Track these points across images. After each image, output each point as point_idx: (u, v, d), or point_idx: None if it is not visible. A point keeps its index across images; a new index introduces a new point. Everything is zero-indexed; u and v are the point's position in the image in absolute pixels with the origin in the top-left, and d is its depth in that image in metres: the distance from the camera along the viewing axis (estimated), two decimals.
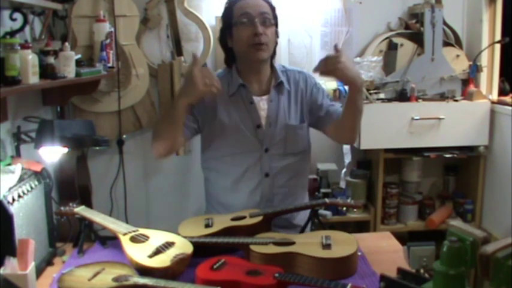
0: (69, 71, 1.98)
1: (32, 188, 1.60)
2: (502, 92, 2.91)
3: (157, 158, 1.92)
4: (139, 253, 1.51)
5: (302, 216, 1.96)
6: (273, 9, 1.88)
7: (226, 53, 1.96)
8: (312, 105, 1.96)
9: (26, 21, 2.05)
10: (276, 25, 1.89)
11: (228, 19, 1.87)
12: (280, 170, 1.91)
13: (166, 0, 2.80)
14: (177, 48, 2.85)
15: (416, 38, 2.88)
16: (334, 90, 2.80)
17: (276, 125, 1.89)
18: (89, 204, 2.28)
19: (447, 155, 2.86)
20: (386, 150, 2.84)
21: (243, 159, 1.90)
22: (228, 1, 1.91)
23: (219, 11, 2.85)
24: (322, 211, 2.78)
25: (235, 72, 1.91)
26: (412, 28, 2.91)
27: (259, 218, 1.73)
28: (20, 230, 1.47)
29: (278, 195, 1.93)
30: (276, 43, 1.92)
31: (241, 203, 1.90)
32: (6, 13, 2.01)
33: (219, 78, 1.87)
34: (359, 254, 1.60)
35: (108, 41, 2.41)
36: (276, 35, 1.90)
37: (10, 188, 1.47)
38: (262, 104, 1.90)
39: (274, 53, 1.94)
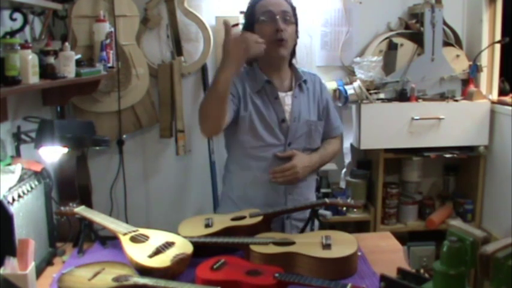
0: (69, 71, 1.98)
1: (32, 188, 1.60)
2: (502, 92, 2.91)
3: (205, 137, 2.03)
4: (139, 253, 1.51)
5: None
6: (293, 8, 1.97)
7: None
8: (323, 109, 2.06)
9: (26, 21, 2.06)
10: (296, 24, 1.97)
11: (251, 17, 1.94)
12: None
13: (166, 0, 2.80)
14: (177, 48, 2.86)
15: (416, 38, 2.88)
16: (334, 90, 2.80)
17: (299, 120, 1.97)
18: (89, 204, 2.28)
19: (447, 155, 2.85)
20: (386, 150, 2.84)
21: (267, 152, 1.95)
22: (251, 1, 1.98)
23: (219, 11, 2.89)
24: (322, 211, 2.77)
25: (258, 70, 1.97)
26: (412, 28, 2.91)
27: (259, 218, 1.73)
28: (20, 230, 1.47)
29: (298, 189, 1.99)
30: (296, 42, 2.01)
31: (264, 196, 1.94)
32: (6, 13, 2.01)
33: (244, 74, 1.97)
34: (359, 254, 1.60)
35: (108, 41, 2.41)
36: (296, 34, 1.99)
37: (10, 188, 1.47)
38: (287, 99, 1.97)
39: (294, 53, 2.03)
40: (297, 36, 2.00)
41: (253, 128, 1.93)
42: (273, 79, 1.97)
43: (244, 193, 1.99)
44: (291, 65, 2.04)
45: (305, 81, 2.01)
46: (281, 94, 1.96)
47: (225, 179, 2.13)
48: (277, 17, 1.88)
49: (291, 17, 1.93)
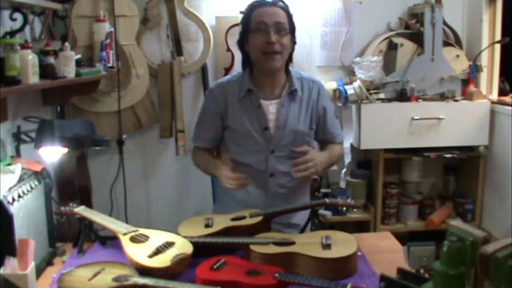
0: (69, 71, 1.98)
1: (32, 188, 1.60)
2: (502, 92, 2.91)
3: None
4: (139, 253, 1.51)
5: (300, 216, 2.00)
6: (289, 17, 1.93)
7: (244, 55, 2.01)
8: (319, 116, 2.03)
9: (26, 21, 2.06)
10: (293, 33, 1.94)
11: (246, 25, 1.93)
12: (284, 171, 1.97)
13: (166, 0, 2.80)
14: (177, 48, 2.85)
15: (417, 38, 2.88)
16: (334, 90, 2.80)
17: (284, 129, 1.95)
18: (89, 204, 2.28)
19: (447, 155, 2.85)
20: (386, 150, 2.84)
21: (250, 159, 1.96)
22: (248, 6, 1.96)
23: (219, 11, 2.89)
24: (322, 211, 2.78)
25: (247, 76, 1.98)
26: (412, 28, 2.91)
27: (259, 218, 1.73)
28: (20, 230, 1.47)
29: (282, 195, 1.98)
30: (293, 50, 1.99)
31: (249, 199, 1.96)
32: (6, 13, 2.01)
33: (233, 81, 1.99)
34: (359, 254, 1.60)
35: (108, 41, 2.41)
36: (293, 42, 1.96)
37: (10, 188, 1.47)
38: (271, 108, 1.96)
39: (290, 59, 2.00)
40: (294, 43, 1.98)
41: (235, 135, 1.96)
42: (265, 86, 1.96)
43: (235, 194, 2.01)
44: (288, 71, 2.01)
45: (295, 91, 1.96)
46: (265, 102, 1.95)
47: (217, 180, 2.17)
48: (271, 28, 1.85)
49: (286, 28, 1.89)
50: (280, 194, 1.97)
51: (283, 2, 1.95)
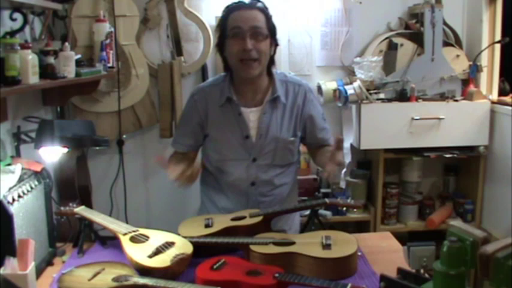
0: (69, 71, 1.98)
1: (32, 188, 1.60)
2: (502, 92, 2.91)
3: None
4: (139, 253, 1.51)
5: (287, 221, 1.99)
6: (268, 18, 1.84)
7: (223, 60, 1.94)
8: (306, 122, 1.96)
9: (26, 21, 2.06)
10: (272, 36, 1.85)
11: (222, 30, 1.85)
12: (266, 180, 1.93)
13: (166, 0, 2.80)
14: (177, 48, 2.85)
15: (416, 38, 2.88)
16: (334, 90, 2.80)
17: (266, 137, 1.89)
18: (89, 204, 2.28)
19: (447, 155, 2.85)
20: (386, 150, 2.84)
21: (231, 167, 1.92)
22: (225, 10, 1.87)
23: (219, 11, 2.86)
24: (322, 211, 2.78)
25: (228, 82, 1.90)
26: (412, 28, 2.91)
27: (259, 218, 1.73)
28: (20, 230, 1.47)
29: (263, 203, 1.93)
30: (274, 53, 1.90)
31: (230, 206, 1.93)
32: (6, 13, 2.01)
33: (215, 86, 1.92)
34: (359, 254, 1.60)
35: (108, 41, 2.41)
36: (273, 45, 1.87)
37: (10, 188, 1.47)
38: (251, 115, 1.90)
39: (273, 62, 1.92)
40: (275, 45, 1.88)
41: (216, 143, 1.91)
42: (246, 92, 1.89)
43: (215, 200, 2.00)
44: (271, 74, 1.93)
45: (277, 97, 1.88)
46: (245, 110, 1.88)
47: (201, 184, 2.11)
48: (247, 34, 1.76)
49: (264, 32, 1.79)
50: (262, 202, 1.93)
51: (262, 2, 1.85)
